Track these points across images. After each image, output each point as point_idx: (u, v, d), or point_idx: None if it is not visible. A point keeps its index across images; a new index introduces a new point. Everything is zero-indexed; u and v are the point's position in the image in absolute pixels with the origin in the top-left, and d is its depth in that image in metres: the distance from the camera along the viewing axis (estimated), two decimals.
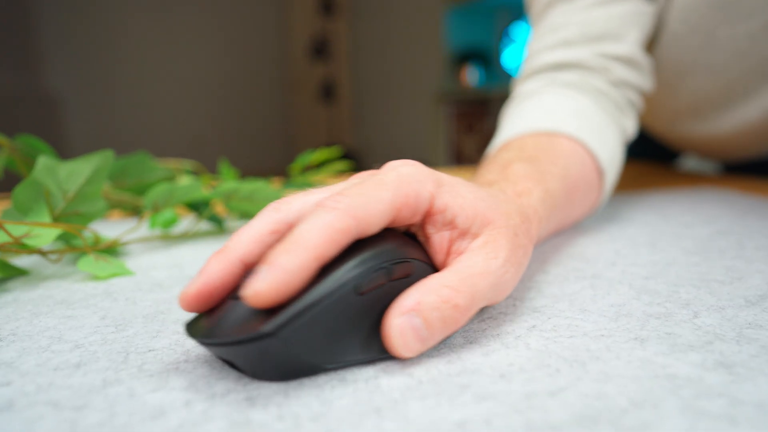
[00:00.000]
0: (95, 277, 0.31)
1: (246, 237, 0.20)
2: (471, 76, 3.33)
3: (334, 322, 0.18)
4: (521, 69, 0.47)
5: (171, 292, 0.28)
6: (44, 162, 0.33)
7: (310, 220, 0.19)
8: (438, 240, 0.22)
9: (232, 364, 0.20)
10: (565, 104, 0.40)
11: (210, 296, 0.19)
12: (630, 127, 0.44)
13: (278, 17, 3.89)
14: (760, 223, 0.39)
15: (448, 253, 0.22)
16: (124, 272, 0.31)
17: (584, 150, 0.38)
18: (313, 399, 0.17)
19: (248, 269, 0.20)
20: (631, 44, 0.43)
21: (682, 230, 0.38)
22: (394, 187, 0.20)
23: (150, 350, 0.21)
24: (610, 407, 0.16)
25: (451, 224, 0.22)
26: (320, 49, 3.88)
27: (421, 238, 0.23)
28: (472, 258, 0.21)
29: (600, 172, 0.39)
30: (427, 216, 0.22)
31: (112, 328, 0.24)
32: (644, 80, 0.44)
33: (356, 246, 0.20)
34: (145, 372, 0.19)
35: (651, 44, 0.49)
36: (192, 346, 0.21)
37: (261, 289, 0.17)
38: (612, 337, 0.21)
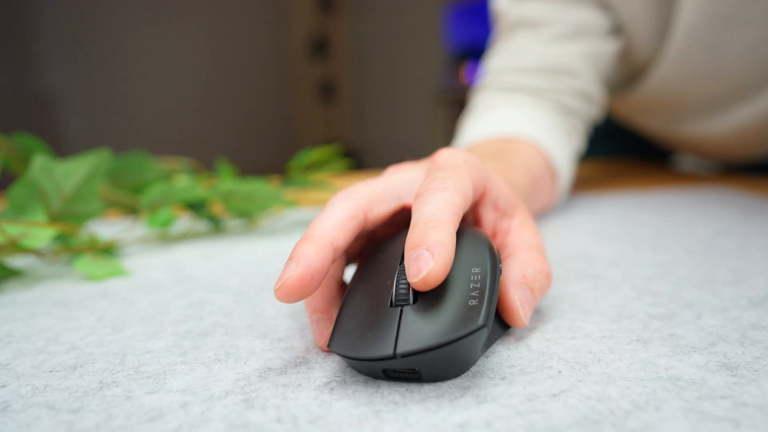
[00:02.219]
0: (91, 278, 0.31)
1: (330, 224, 0.20)
2: (471, 74, 3.33)
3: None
4: (481, 81, 0.50)
5: (168, 292, 0.28)
6: (40, 161, 0.33)
7: (434, 201, 0.20)
8: (486, 220, 0.24)
9: (392, 377, 0.18)
10: (523, 115, 0.44)
11: (310, 283, 0.18)
12: (577, 142, 0.47)
13: (277, 15, 3.88)
14: (764, 223, 0.39)
15: (494, 233, 0.24)
16: (120, 272, 0.31)
17: (540, 153, 0.41)
18: (312, 401, 0.17)
19: (335, 255, 0.20)
20: (585, 80, 0.46)
21: (684, 230, 0.38)
22: (468, 170, 0.22)
23: (147, 351, 0.21)
24: (613, 409, 0.16)
25: (495, 205, 0.24)
26: (319, 48, 3.87)
27: (469, 218, 0.25)
28: (524, 234, 0.24)
29: (553, 174, 0.42)
30: (481, 197, 0.24)
31: (108, 329, 0.23)
32: (594, 110, 0.48)
33: (466, 235, 0.21)
34: (143, 374, 0.19)
35: (653, 60, 0.50)
36: (189, 347, 0.21)
37: (436, 269, 0.17)
38: (614, 339, 0.21)
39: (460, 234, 0.21)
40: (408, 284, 0.18)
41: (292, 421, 0.16)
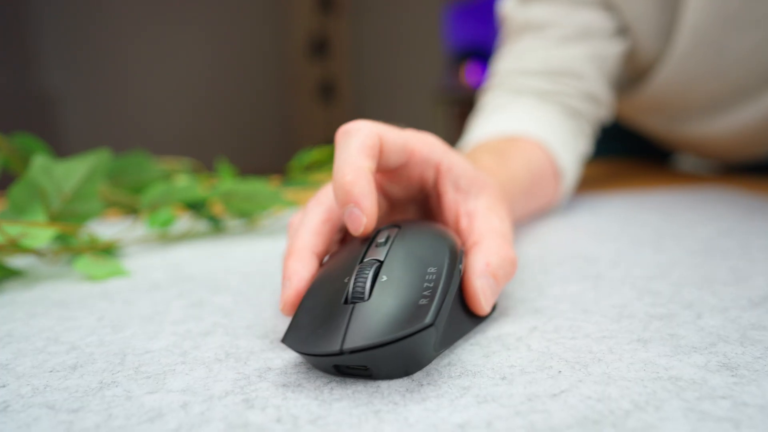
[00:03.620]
0: (91, 278, 0.31)
1: (308, 234, 0.23)
2: (471, 74, 3.33)
3: (451, 305, 0.20)
4: (488, 82, 0.50)
5: (168, 292, 0.28)
6: (40, 161, 0.33)
7: (345, 147, 0.21)
8: (448, 200, 0.25)
9: (344, 372, 0.18)
10: (529, 116, 0.44)
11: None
12: (584, 145, 0.47)
13: (277, 15, 3.88)
14: (764, 223, 0.39)
15: (457, 215, 0.24)
16: (120, 272, 0.31)
17: (544, 152, 0.41)
18: (312, 401, 0.17)
19: (319, 260, 0.22)
20: (590, 81, 0.46)
21: (684, 230, 0.38)
22: (411, 134, 0.24)
23: (147, 352, 0.21)
24: (613, 409, 0.16)
25: (456, 185, 0.24)
26: (319, 47, 3.87)
27: (434, 201, 0.25)
28: (490, 221, 0.24)
29: (557, 174, 0.42)
30: (439, 174, 0.24)
31: (108, 330, 0.23)
32: (602, 111, 0.48)
33: (430, 235, 0.21)
34: (142, 374, 0.19)
35: (657, 61, 0.50)
36: (189, 347, 0.21)
37: (367, 221, 0.20)
38: (614, 339, 0.21)
39: (423, 233, 0.21)
40: (364, 282, 0.19)
41: (292, 421, 0.16)
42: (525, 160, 0.39)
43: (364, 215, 0.20)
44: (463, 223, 0.24)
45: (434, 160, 0.24)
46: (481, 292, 0.21)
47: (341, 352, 0.17)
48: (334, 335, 0.17)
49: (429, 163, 0.24)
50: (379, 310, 0.18)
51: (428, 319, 0.17)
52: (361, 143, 0.21)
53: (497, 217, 0.24)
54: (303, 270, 0.21)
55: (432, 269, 0.19)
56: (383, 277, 0.19)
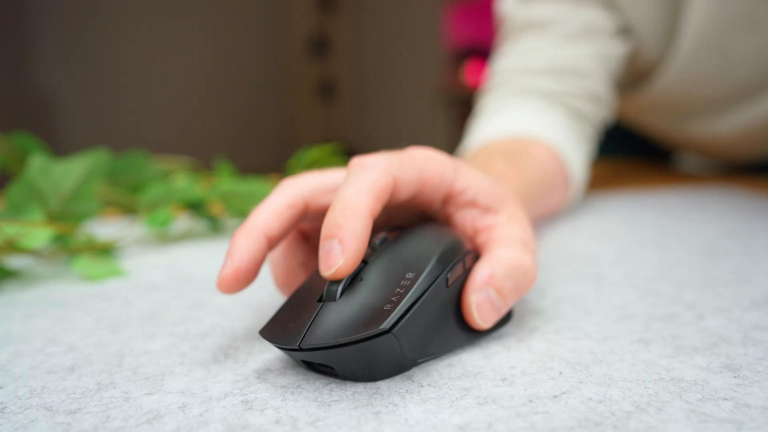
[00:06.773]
0: (89, 278, 0.31)
1: (266, 213, 0.21)
2: (471, 73, 3.32)
3: (429, 315, 0.19)
4: (488, 82, 0.49)
5: (167, 293, 0.28)
6: (38, 161, 0.33)
7: (355, 181, 0.19)
8: (460, 219, 0.23)
9: (316, 369, 0.19)
10: (538, 119, 0.43)
11: (246, 274, 0.20)
12: (588, 149, 0.47)
13: (276, 14, 3.88)
14: (767, 223, 0.39)
15: (474, 231, 0.23)
16: (119, 273, 0.31)
17: (555, 157, 0.41)
18: (311, 402, 0.17)
19: (271, 243, 0.21)
20: (595, 80, 0.45)
21: (686, 230, 0.38)
22: (423, 164, 0.21)
23: (145, 352, 0.21)
24: (614, 411, 0.16)
25: (473, 203, 0.23)
26: (319, 46, 3.87)
27: (441, 218, 0.24)
28: (510, 228, 0.22)
29: (567, 179, 0.42)
30: (449, 198, 0.23)
31: (107, 330, 0.23)
32: (605, 112, 0.47)
33: (427, 240, 0.20)
34: (141, 375, 0.19)
35: (660, 64, 0.50)
36: (188, 348, 0.21)
37: (344, 266, 0.18)
38: (616, 340, 0.21)
39: (420, 237, 0.21)
40: (338, 282, 0.18)
41: (292, 422, 0.16)
42: (539, 166, 0.38)
43: (343, 257, 0.18)
44: (482, 237, 0.23)
45: (445, 185, 0.22)
46: (476, 308, 0.20)
47: (299, 349, 0.17)
48: (298, 331, 0.18)
49: (438, 190, 0.22)
50: (343, 311, 0.18)
51: (384, 325, 0.17)
52: (373, 182, 0.19)
53: (518, 225, 0.23)
54: (247, 249, 0.20)
55: (410, 275, 0.19)
56: (360, 279, 0.19)
